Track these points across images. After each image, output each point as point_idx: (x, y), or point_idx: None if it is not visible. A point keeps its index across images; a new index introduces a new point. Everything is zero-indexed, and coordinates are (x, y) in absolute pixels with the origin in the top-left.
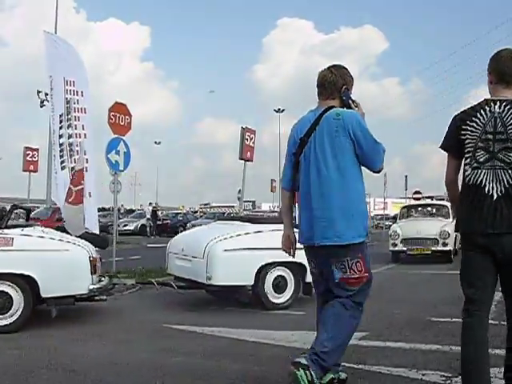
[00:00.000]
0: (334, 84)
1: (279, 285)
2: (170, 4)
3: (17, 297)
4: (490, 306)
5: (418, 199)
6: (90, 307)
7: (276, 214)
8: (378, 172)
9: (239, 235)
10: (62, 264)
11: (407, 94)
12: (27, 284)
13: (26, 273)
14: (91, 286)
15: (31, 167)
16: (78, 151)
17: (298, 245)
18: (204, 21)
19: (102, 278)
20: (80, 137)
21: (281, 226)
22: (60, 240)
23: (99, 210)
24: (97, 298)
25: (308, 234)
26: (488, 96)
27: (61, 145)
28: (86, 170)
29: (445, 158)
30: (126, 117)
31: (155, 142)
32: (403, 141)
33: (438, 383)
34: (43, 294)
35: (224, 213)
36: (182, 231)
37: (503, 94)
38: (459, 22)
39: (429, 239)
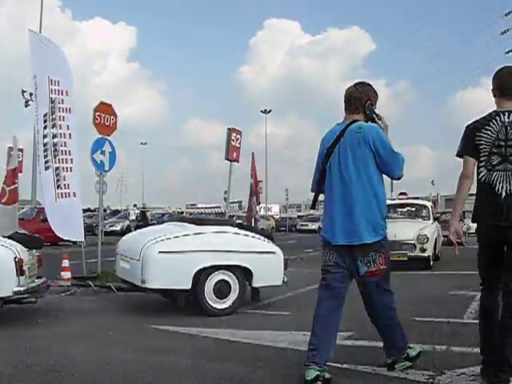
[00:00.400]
0: (359, 100)
1: (221, 290)
2: (156, 4)
3: None
4: (500, 280)
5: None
6: (73, 308)
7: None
8: (398, 179)
9: (177, 237)
10: None
11: (394, 95)
12: None
13: None
14: (16, 288)
15: None
16: (62, 151)
17: (241, 248)
18: (191, 22)
19: (36, 280)
20: (65, 137)
21: (226, 228)
22: None
23: (84, 210)
24: (25, 300)
25: (332, 233)
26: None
27: (45, 145)
28: (71, 170)
29: (429, 160)
30: (112, 117)
31: (141, 143)
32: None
33: (421, 382)
34: None
35: (211, 213)
36: None
37: (508, 106)
38: (446, 24)
39: (405, 244)
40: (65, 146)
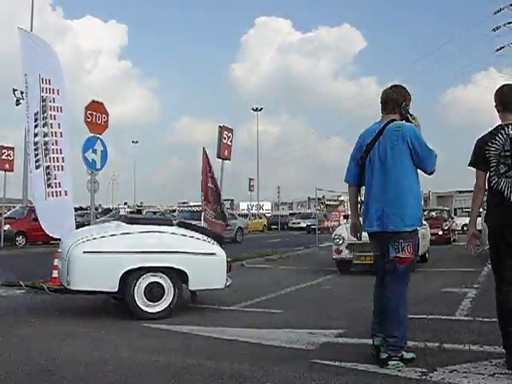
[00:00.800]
0: (396, 101)
1: (153, 292)
2: (147, 2)
3: None
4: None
5: None
6: (65, 306)
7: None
8: (431, 173)
9: (103, 237)
10: None
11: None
12: None
13: None
14: None
15: (7, 166)
16: (53, 150)
17: (175, 249)
18: (182, 20)
19: None
20: (56, 135)
21: (160, 228)
22: None
23: (76, 209)
24: None
25: (372, 222)
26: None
27: (36, 143)
28: (63, 169)
29: None
30: (103, 115)
31: (133, 141)
32: None
33: (413, 379)
34: None
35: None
36: None
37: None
38: (436, 22)
39: None
40: (56, 144)
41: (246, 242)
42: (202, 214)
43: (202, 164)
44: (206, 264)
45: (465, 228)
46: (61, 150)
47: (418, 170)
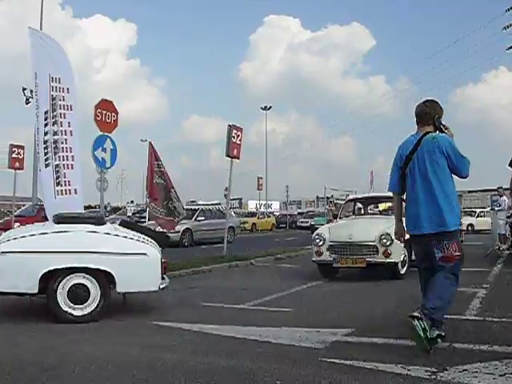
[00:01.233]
0: (430, 114)
1: (78, 295)
2: (156, 1)
3: None
4: None
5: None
6: None
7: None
8: (465, 177)
9: (23, 237)
10: None
11: (394, 91)
12: None
13: None
14: None
15: (17, 164)
16: (63, 148)
17: (100, 249)
18: (190, 18)
19: None
20: (65, 134)
21: (88, 227)
22: None
23: (85, 207)
24: None
25: (415, 224)
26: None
27: (45, 142)
28: (72, 168)
29: None
30: (113, 114)
31: (141, 140)
32: (389, 138)
33: (423, 378)
34: None
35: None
36: None
37: None
38: (446, 20)
39: (364, 246)
40: (66, 143)
41: (251, 242)
42: (147, 211)
43: (148, 159)
44: (135, 265)
45: (469, 228)
46: (70, 148)
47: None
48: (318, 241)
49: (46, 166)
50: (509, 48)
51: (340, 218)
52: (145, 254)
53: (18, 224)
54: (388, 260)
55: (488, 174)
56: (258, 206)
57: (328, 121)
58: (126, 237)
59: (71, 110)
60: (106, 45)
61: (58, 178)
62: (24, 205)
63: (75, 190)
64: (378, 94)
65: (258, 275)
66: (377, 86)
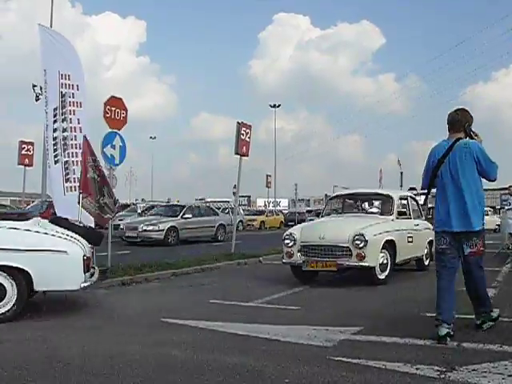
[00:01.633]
0: (461, 122)
1: None
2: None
3: None
4: None
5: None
6: (85, 300)
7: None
8: (493, 181)
9: None
10: None
11: (403, 89)
12: None
13: None
14: None
15: (26, 161)
16: (72, 145)
17: (15, 246)
18: (200, 16)
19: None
20: (75, 131)
21: (9, 224)
22: None
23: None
24: None
25: (445, 223)
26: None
27: (54, 139)
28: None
29: None
30: (122, 111)
31: (150, 137)
32: (399, 137)
33: (432, 377)
34: None
35: (219, 207)
36: None
37: None
38: (456, 18)
39: (336, 247)
40: (75, 139)
41: (259, 240)
42: (80, 207)
43: (82, 153)
44: (53, 263)
45: None
46: (80, 145)
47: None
48: (287, 241)
49: (56, 162)
50: None
51: (322, 216)
52: (65, 251)
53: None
54: (362, 263)
55: (498, 173)
56: (267, 203)
57: (337, 119)
58: (46, 233)
59: (81, 106)
60: (115, 42)
61: (67, 174)
62: (33, 201)
63: None
64: (388, 93)
65: (266, 273)
66: (386, 84)
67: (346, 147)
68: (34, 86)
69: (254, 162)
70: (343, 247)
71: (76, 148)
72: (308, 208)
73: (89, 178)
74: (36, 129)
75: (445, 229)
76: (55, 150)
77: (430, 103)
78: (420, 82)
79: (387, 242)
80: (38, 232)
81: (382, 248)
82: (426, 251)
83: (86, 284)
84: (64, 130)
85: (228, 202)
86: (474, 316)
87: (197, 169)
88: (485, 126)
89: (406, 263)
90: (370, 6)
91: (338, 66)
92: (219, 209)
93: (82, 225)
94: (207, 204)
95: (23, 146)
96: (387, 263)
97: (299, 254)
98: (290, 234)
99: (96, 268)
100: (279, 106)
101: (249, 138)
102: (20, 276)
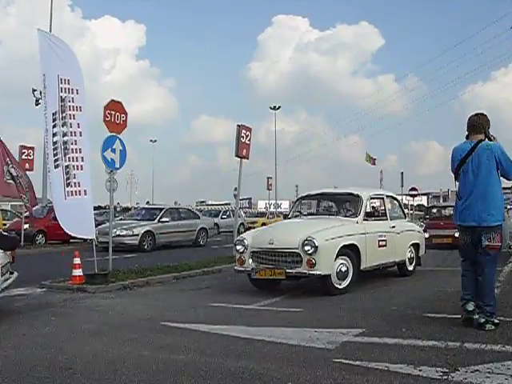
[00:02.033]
0: (481, 125)
1: None
2: (165, 2)
3: None
4: None
5: (414, 196)
6: (86, 305)
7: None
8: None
9: None
10: None
11: (403, 90)
12: None
13: None
14: None
15: (27, 165)
16: (73, 149)
17: None
18: (199, 19)
19: None
20: (75, 135)
21: None
22: None
23: (95, 208)
24: None
25: (466, 217)
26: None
27: (54, 143)
28: (82, 168)
29: (440, 155)
30: (122, 115)
31: (151, 140)
32: (399, 137)
33: (435, 379)
34: None
35: (220, 210)
36: None
37: None
38: (455, 18)
39: (286, 253)
40: (75, 144)
41: None
42: None
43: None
44: None
45: None
46: (80, 149)
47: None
48: (239, 247)
49: (56, 167)
50: None
51: (289, 218)
52: None
53: (28, 225)
54: (312, 272)
55: None
56: (268, 205)
57: (337, 120)
58: None
59: (80, 111)
60: (115, 46)
61: (67, 179)
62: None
63: (85, 191)
64: (388, 93)
65: None
66: (386, 85)
67: (346, 148)
68: (34, 90)
69: (255, 164)
70: (293, 253)
71: (77, 152)
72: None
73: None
74: (36, 133)
75: (465, 223)
76: (55, 155)
77: (430, 103)
78: (420, 83)
79: (347, 246)
80: None
81: (340, 254)
82: (410, 255)
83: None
84: (64, 135)
85: (229, 204)
86: (477, 316)
87: (197, 172)
88: None
89: (381, 269)
90: (368, 8)
91: (337, 67)
92: (220, 211)
93: None
94: (188, 207)
95: (24, 150)
96: (347, 271)
97: (250, 260)
98: (241, 239)
99: (15, 273)
100: (279, 107)
101: (249, 140)
102: None
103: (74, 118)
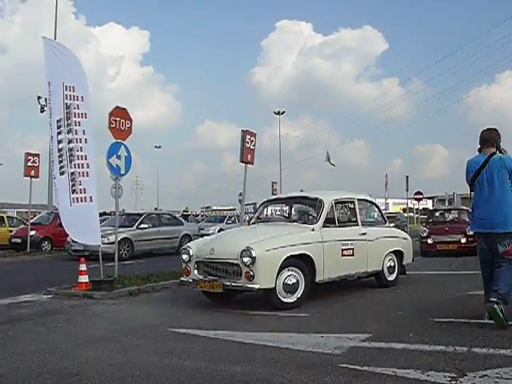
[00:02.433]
0: (493, 139)
1: None
2: (169, 8)
3: None
4: None
5: (419, 200)
6: (92, 311)
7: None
8: None
9: None
10: None
11: (407, 94)
12: None
13: None
14: None
15: (32, 172)
16: (78, 156)
17: None
18: (203, 24)
19: None
20: (81, 141)
21: None
22: None
23: (100, 214)
24: None
25: (483, 225)
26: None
27: (60, 150)
28: (87, 175)
29: (445, 159)
30: (127, 121)
31: (155, 146)
32: (404, 141)
33: None
34: None
35: (225, 216)
36: None
37: None
38: (459, 21)
39: (226, 264)
40: (81, 150)
41: None
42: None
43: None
44: None
45: None
46: (85, 156)
47: None
48: (184, 256)
49: (61, 173)
50: None
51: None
52: None
53: (34, 231)
54: (249, 285)
55: None
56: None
57: (341, 125)
58: None
59: (86, 117)
60: (119, 52)
61: (73, 185)
62: (40, 212)
63: (90, 197)
64: (392, 97)
65: None
66: (390, 88)
67: (351, 152)
68: (39, 97)
69: (260, 169)
70: (233, 264)
71: (82, 159)
72: None
73: None
74: (42, 140)
75: (482, 229)
76: (61, 162)
77: (435, 107)
78: (424, 86)
79: (296, 257)
80: None
81: (287, 265)
82: (389, 264)
83: None
84: (70, 142)
85: (234, 210)
86: (497, 296)
87: (202, 177)
88: None
89: (348, 280)
90: (372, 12)
91: (341, 71)
92: (225, 217)
93: None
94: (170, 212)
95: (29, 157)
96: (297, 283)
97: (196, 271)
98: (186, 248)
99: None
100: (283, 112)
101: (253, 145)
102: None
103: (79, 125)
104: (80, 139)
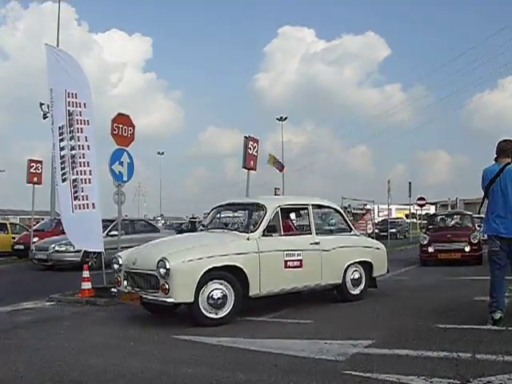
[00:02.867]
0: (509, 150)
1: None
2: (171, 15)
3: None
4: None
5: (422, 206)
6: (95, 318)
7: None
8: None
9: None
10: None
11: (410, 99)
12: None
13: None
14: None
15: (35, 179)
16: (81, 163)
17: None
18: (205, 30)
19: None
20: (83, 148)
21: None
22: None
23: (103, 221)
24: None
25: (497, 230)
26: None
27: (62, 157)
28: (90, 182)
29: (448, 164)
30: (129, 128)
31: (158, 153)
32: (406, 147)
33: None
34: None
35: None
36: None
37: None
38: (461, 27)
39: (147, 276)
40: (83, 157)
41: None
42: None
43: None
44: None
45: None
46: (88, 162)
47: None
48: (115, 266)
49: (63, 180)
50: None
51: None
52: None
53: (37, 238)
54: (163, 299)
55: None
56: None
57: (344, 130)
58: None
59: (88, 124)
60: (122, 59)
61: (75, 192)
62: (43, 219)
63: (93, 204)
64: (395, 103)
65: None
66: (393, 94)
67: (354, 158)
68: (42, 104)
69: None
70: (152, 276)
71: (85, 166)
72: None
73: None
74: (45, 147)
75: (496, 234)
76: (63, 168)
77: (437, 112)
78: (426, 92)
79: (224, 268)
80: None
81: (213, 278)
82: (354, 276)
83: None
84: (72, 148)
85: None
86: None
87: (205, 183)
88: (490, 135)
89: (298, 293)
90: (374, 18)
91: (343, 77)
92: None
93: None
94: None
95: (32, 164)
96: (225, 298)
97: (125, 282)
98: (116, 256)
99: None
100: (286, 118)
101: (256, 151)
102: None
103: (81, 132)
104: (82, 146)
